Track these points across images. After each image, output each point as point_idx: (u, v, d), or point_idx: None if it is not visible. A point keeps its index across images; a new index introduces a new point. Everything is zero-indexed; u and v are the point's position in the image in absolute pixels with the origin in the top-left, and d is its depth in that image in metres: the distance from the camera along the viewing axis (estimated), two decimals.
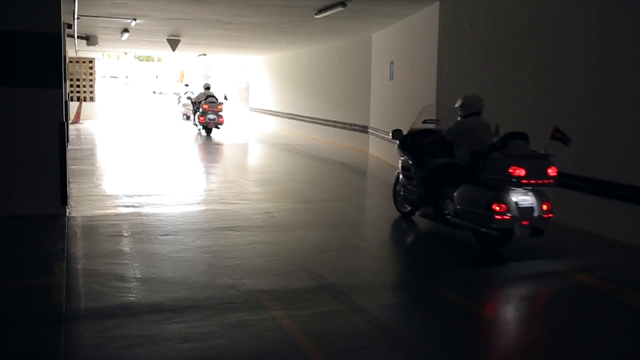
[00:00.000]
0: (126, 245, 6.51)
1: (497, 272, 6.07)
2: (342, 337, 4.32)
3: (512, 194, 6.21)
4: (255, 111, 28.60)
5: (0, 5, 7.24)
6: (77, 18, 12.93)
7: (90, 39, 18.08)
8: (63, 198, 7.71)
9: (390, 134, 8.13)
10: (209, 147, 17.43)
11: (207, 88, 21.03)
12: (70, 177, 9.52)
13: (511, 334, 4.65)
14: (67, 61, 18.23)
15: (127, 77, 65.61)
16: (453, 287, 5.48)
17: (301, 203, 9.30)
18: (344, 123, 17.76)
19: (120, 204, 8.72)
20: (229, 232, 7.24)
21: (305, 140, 19.70)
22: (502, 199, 6.13)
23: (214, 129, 20.40)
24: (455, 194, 6.67)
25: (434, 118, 8.22)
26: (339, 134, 18.13)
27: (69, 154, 9.07)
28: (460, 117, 7.05)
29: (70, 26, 14.04)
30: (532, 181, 6.10)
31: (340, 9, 10.95)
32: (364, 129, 16.30)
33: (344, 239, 7.27)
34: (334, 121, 18.47)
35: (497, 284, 5.74)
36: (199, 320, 4.49)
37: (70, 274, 5.47)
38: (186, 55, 28.43)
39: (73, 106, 22.70)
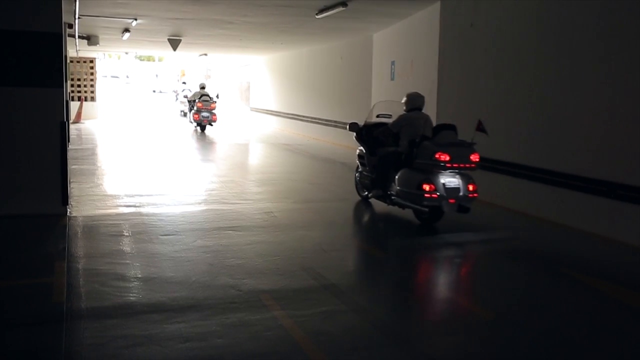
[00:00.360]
0: (127, 245, 6.51)
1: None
2: (343, 336, 4.32)
3: (441, 176, 7.23)
4: (256, 111, 28.59)
5: (1, 5, 7.25)
6: (78, 18, 12.92)
7: (91, 39, 18.08)
8: (64, 198, 7.71)
9: (348, 127, 9.21)
10: (210, 147, 17.44)
11: (202, 87, 22.09)
12: (71, 177, 9.53)
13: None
14: (68, 61, 18.23)
15: (128, 76, 65.63)
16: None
17: (302, 203, 9.29)
18: (345, 123, 17.70)
19: (121, 203, 8.72)
20: (230, 232, 7.24)
21: (306, 140, 19.70)
22: (431, 180, 7.19)
23: (207, 126, 21.48)
24: (396, 177, 7.69)
25: (386, 113, 9.03)
26: (340, 133, 18.11)
27: (69, 154, 9.08)
28: (405, 111, 8.12)
29: (71, 26, 14.04)
30: (456, 165, 7.14)
31: (341, 8, 10.95)
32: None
33: (345, 238, 7.27)
34: (335, 121, 18.46)
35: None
36: (199, 320, 4.49)
37: (71, 274, 5.47)
38: (187, 55, 28.45)
39: (74, 106, 22.70)
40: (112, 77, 62.62)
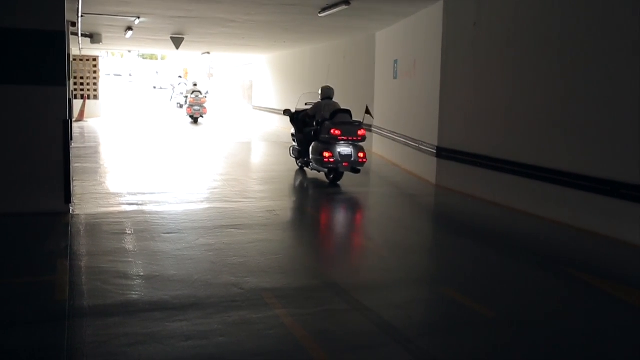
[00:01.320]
0: (129, 243, 6.52)
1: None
2: (345, 335, 4.32)
3: (337, 146, 10.05)
4: (259, 109, 28.58)
5: (4, 3, 7.26)
6: (81, 16, 12.93)
7: (94, 37, 18.09)
8: (67, 196, 7.72)
9: (283, 112, 12.13)
10: (212, 145, 17.43)
11: (195, 84, 25.90)
12: (73, 175, 9.54)
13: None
14: (71, 59, 18.25)
15: (130, 75, 65.71)
16: None
17: (304, 201, 9.29)
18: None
19: (124, 201, 8.73)
20: (232, 230, 7.25)
21: None
22: (329, 149, 10.01)
23: (204, 121, 24.83)
24: (310, 148, 10.54)
25: (313, 101, 11.52)
26: None
27: (72, 152, 9.09)
28: (320, 99, 10.94)
29: (74, 24, 14.05)
30: (345, 138, 10.04)
31: (344, 7, 10.94)
32: (367, 128, 16.25)
33: (347, 237, 7.27)
34: None
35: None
36: (201, 318, 4.49)
37: (73, 272, 5.48)
38: (190, 53, 28.46)
39: (77, 104, 22.73)
40: (115, 75, 62.70)
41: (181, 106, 30.34)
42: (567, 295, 5.44)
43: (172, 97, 37.22)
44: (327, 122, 10.13)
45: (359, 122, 10.35)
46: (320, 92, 11.08)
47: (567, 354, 4.19)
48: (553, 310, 5.02)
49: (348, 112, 10.47)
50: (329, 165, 10.05)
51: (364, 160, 10.13)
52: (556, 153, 8.00)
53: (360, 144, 10.17)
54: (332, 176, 10.53)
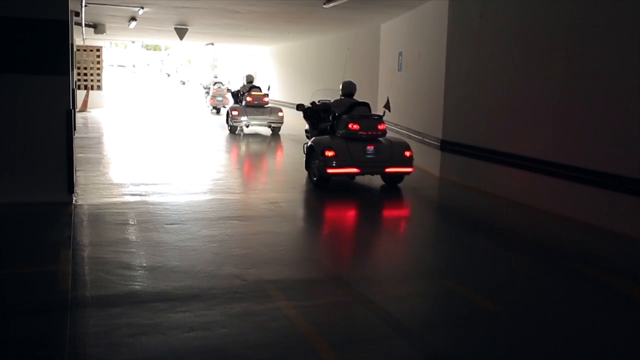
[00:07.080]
0: (132, 234, 6.51)
1: None
2: (348, 327, 4.31)
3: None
4: None
5: None
6: (85, 6, 12.88)
7: (97, 27, 18.04)
8: (70, 186, 7.72)
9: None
10: (215, 136, 17.41)
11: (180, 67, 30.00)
12: (77, 165, 9.53)
13: None
14: (75, 49, 18.22)
15: (134, 65, 65.85)
16: None
17: (308, 193, 9.28)
18: None
19: (127, 192, 8.72)
20: (235, 221, 7.23)
21: None
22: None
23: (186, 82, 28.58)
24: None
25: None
26: None
27: (75, 142, 9.08)
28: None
29: (78, 14, 13.98)
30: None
31: None
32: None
33: (350, 230, 7.25)
34: None
35: None
36: (204, 309, 4.49)
37: (76, 262, 5.48)
38: (194, 44, 28.42)
39: (80, 94, 22.71)
40: (118, 66, 62.81)
41: (168, 75, 48.50)
42: (571, 290, 5.41)
43: (162, 62, 49.83)
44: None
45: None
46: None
47: (570, 349, 4.17)
48: (558, 305, 5.00)
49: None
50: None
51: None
52: (562, 147, 7.95)
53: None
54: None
